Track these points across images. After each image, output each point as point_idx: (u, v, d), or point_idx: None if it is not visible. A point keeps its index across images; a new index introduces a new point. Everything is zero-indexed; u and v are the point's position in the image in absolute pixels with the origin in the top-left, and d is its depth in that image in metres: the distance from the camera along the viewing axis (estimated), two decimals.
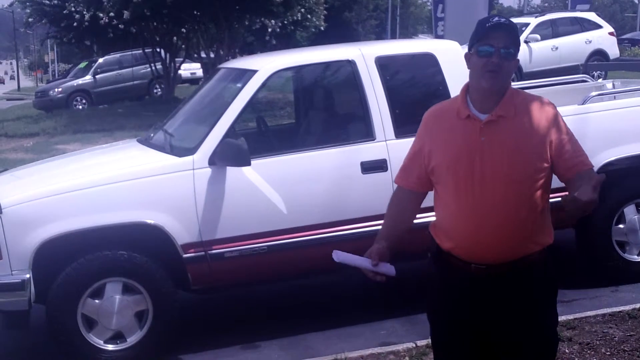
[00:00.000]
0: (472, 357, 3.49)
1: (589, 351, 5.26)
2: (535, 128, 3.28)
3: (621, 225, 6.60)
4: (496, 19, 3.35)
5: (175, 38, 26.91)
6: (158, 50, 27.30)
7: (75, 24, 25.69)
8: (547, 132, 3.28)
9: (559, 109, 3.41)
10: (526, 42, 20.51)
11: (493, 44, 3.26)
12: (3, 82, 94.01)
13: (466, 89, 3.46)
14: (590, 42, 21.95)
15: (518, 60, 3.37)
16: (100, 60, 31.50)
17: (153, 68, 27.76)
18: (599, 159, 6.20)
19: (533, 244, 3.34)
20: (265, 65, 6.15)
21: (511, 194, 3.25)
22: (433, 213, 3.54)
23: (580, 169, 3.29)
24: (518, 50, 3.32)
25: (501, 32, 3.29)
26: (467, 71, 6.42)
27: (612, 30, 23.43)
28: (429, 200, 3.59)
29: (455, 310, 3.44)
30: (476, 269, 3.35)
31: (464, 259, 3.37)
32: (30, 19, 28.89)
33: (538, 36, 21.32)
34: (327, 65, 6.61)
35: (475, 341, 3.45)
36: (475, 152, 3.28)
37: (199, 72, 32.36)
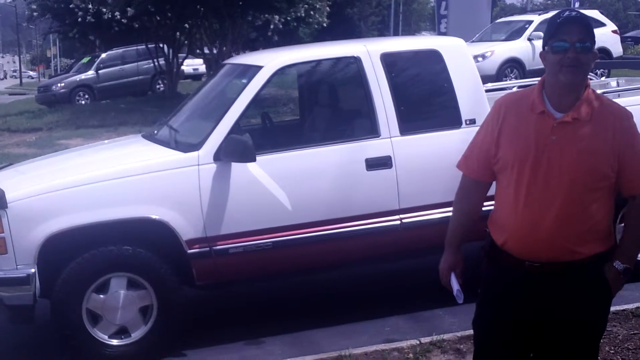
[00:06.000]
0: (516, 353, 3.49)
1: None
2: (607, 135, 3.25)
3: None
4: (567, 12, 3.29)
5: (178, 33, 26.89)
6: (161, 45, 27.28)
7: (79, 19, 25.65)
8: (618, 141, 3.25)
9: None
10: (529, 39, 20.51)
11: (567, 38, 3.21)
12: (5, 77, 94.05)
13: (543, 82, 3.39)
14: None
15: (597, 53, 3.33)
16: (103, 55, 31.45)
17: (156, 63, 27.74)
18: None
19: (589, 247, 3.31)
20: (271, 61, 6.14)
21: (573, 196, 3.23)
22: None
23: (637, 192, 3.34)
24: (594, 42, 3.26)
25: (574, 26, 3.23)
26: (472, 68, 6.50)
27: (615, 28, 23.37)
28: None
29: (504, 308, 3.43)
30: (530, 266, 3.33)
31: (516, 255, 3.35)
32: (34, 14, 28.83)
33: (541, 33, 21.25)
34: (332, 61, 6.59)
35: (520, 341, 3.45)
36: (543, 150, 3.26)
37: (202, 68, 32.40)
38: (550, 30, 3.29)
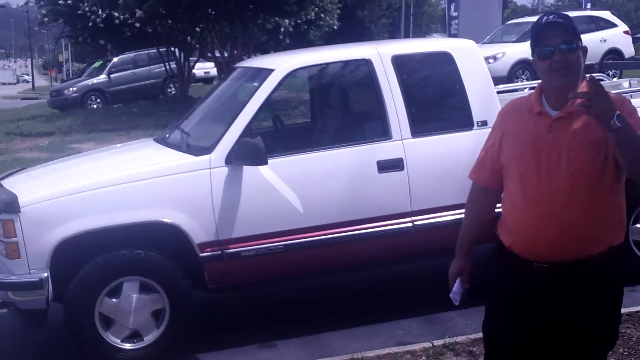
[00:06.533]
0: (525, 356, 3.48)
1: None
2: None
3: (639, 225, 6.58)
4: (545, 18, 3.32)
5: (189, 37, 26.95)
6: (172, 49, 27.34)
7: (90, 24, 25.77)
8: None
9: None
10: None
11: (550, 43, 3.24)
12: (17, 82, 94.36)
13: (541, 86, 3.42)
14: (605, 40, 21.86)
15: (586, 47, 3.32)
16: (115, 59, 31.59)
17: (167, 67, 27.80)
18: None
19: (597, 244, 3.28)
20: (282, 64, 6.15)
21: (577, 192, 3.21)
22: None
23: None
24: (579, 40, 3.27)
25: (554, 30, 3.26)
26: (484, 70, 6.49)
27: (627, 29, 23.33)
28: None
29: (514, 310, 3.42)
30: (538, 267, 3.32)
31: (525, 257, 3.34)
32: (45, 19, 28.97)
33: None
34: (343, 64, 6.61)
35: (532, 340, 3.43)
36: (542, 149, 3.26)
37: (213, 71, 32.41)
38: (533, 39, 3.32)
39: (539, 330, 3.39)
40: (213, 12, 23.63)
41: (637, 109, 3.32)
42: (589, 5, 33.18)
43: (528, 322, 3.39)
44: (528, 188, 3.29)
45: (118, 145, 8.93)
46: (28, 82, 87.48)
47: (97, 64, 33.09)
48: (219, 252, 5.65)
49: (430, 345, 5.58)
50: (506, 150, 3.42)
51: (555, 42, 3.23)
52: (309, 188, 5.85)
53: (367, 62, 6.16)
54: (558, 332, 3.35)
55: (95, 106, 29.53)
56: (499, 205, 3.62)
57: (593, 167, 3.22)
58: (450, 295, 3.70)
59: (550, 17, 3.31)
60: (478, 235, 3.71)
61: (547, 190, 3.25)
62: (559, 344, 3.38)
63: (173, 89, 30.19)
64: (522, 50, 20.45)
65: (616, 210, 3.34)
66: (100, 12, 25.00)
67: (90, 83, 30.78)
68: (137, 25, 23.78)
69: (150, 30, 25.56)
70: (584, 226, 3.25)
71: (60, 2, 26.85)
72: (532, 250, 3.32)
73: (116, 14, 23.81)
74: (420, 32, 68.31)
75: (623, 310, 5.78)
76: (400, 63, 6.20)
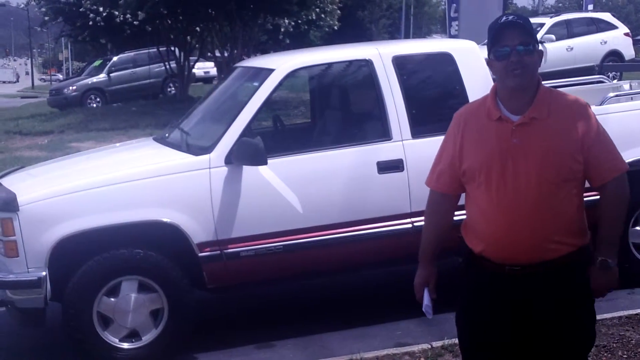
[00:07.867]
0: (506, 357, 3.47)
1: (605, 354, 5.23)
2: (568, 129, 3.26)
3: (638, 227, 6.57)
4: (504, 18, 3.33)
5: (189, 37, 26.93)
6: (172, 48, 27.33)
7: (90, 22, 25.76)
8: (580, 133, 3.26)
9: None
10: (541, 42, 20.46)
11: (508, 43, 3.25)
12: (17, 81, 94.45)
13: (495, 90, 3.42)
14: (605, 42, 21.88)
15: (542, 51, 3.35)
16: (115, 58, 31.54)
17: (167, 67, 27.79)
18: None
19: (567, 245, 3.31)
20: (282, 64, 6.14)
21: (544, 195, 3.24)
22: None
23: (610, 177, 3.32)
24: (536, 43, 3.31)
25: (513, 30, 3.27)
26: (484, 71, 6.47)
27: (627, 31, 23.35)
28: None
29: (491, 313, 3.42)
30: (510, 270, 3.33)
31: (496, 261, 3.35)
32: (46, 18, 28.95)
33: (553, 36, 21.27)
34: (344, 64, 6.59)
35: (509, 343, 3.43)
36: (507, 154, 3.27)
37: (213, 71, 32.41)
38: (491, 38, 3.33)
39: (517, 330, 3.40)
40: (213, 12, 23.62)
41: (595, 116, 3.36)
42: (590, 7, 33.20)
43: (505, 322, 3.40)
44: (495, 194, 3.30)
45: (117, 144, 8.92)
46: (27, 73, 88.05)
47: (97, 63, 33.04)
48: (218, 252, 5.64)
49: (429, 346, 5.57)
50: (468, 157, 3.41)
51: (513, 43, 3.24)
52: (309, 188, 5.84)
53: (368, 63, 6.15)
54: (536, 330, 3.37)
55: (94, 105, 29.47)
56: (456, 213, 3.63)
57: (559, 170, 3.25)
58: (423, 309, 3.69)
59: (510, 17, 3.32)
60: (440, 243, 3.70)
61: (514, 196, 3.26)
62: (538, 343, 3.38)
63: (173, 88, 30.16)
64: None
65: (581, 209, 3.37)
66: (101, 10, 24.98)
67: (90, 82, 30.72)
68: (136, 23, 23.74)
69: (150, 29, 25.55)
70: (552, 229, 3.28)
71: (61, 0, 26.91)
72: (503, 254, 3.34)
73: (116, 12, 23.76)
74: (421, 33, 68.28)
75: (622, 313, 5.85)
76: (400, 63, 6.19)
